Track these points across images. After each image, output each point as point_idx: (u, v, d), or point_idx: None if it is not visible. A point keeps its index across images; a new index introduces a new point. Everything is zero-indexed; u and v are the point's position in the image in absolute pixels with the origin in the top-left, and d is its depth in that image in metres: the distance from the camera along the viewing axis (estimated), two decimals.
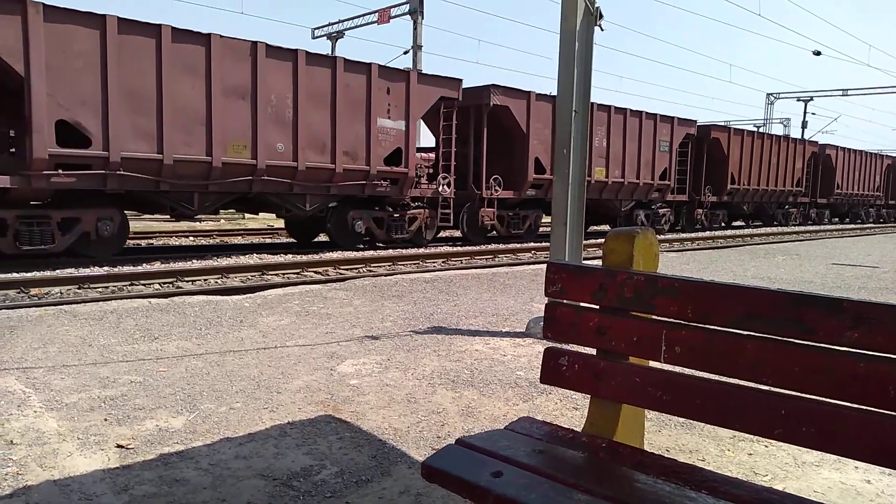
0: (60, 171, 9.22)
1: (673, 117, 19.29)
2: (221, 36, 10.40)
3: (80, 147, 9.38)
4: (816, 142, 27.67)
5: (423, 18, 23.64)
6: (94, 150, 9.44)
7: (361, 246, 13.25)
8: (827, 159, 27.60)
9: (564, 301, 2.01)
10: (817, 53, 32.00)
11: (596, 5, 5.09)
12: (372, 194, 12.78)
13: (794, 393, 1.56)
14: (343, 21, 28.01)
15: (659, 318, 1.82)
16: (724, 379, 1.68)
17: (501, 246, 14.26)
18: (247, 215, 22.15)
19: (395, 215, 13.44)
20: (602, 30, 5.19)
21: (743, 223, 25.73)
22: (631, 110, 17.70)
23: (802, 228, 24.21)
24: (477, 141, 14.78)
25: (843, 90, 43.81)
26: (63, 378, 3.88)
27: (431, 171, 14.16)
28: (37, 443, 2.91)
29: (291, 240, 14.93)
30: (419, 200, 13.84)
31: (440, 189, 13.87)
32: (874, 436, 1.43)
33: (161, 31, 9.80)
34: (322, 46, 30.29)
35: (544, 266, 2.10)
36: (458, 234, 16.18)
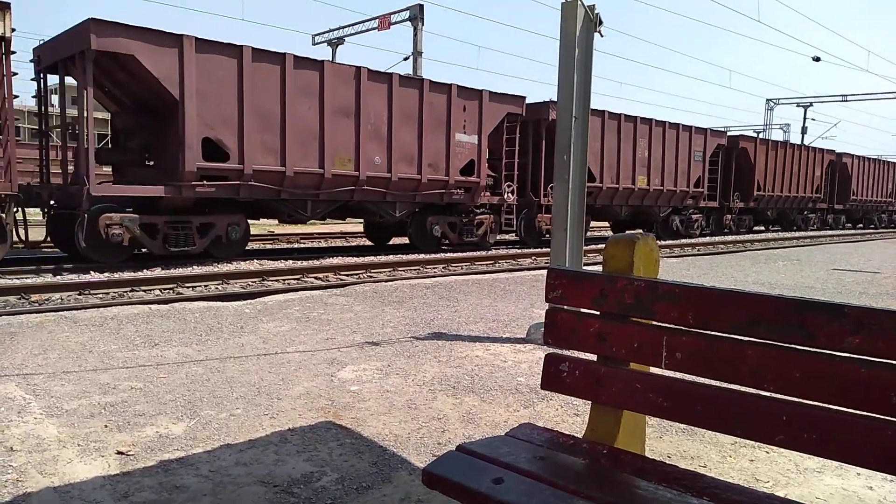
0: (205, 182, 10.63)
1: (706, 129, 20.90)
2: (332, 62, 12.27)
3: (220, 161, 10.76)
4: (834, 150, 28.87)
5: (423, 25, 23.71)
6: (232, 164, 10.86)
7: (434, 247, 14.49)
8: (843, 167, 28.88)
9: (565, 307, 2.01)
10: (817, 59, 32.09)
11: (595, 11, 5.11)
12: (449, 201, 14.19)
13: (795, 399, 1.56)
14: (343, 27, 28.11)
15: (660, 323, 1.81)
16: (725, 385, 1.68)
17: (502, 251, 14.33)
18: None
19: (465, 220, 14.68)
20: (602, 36, 5.21)
21: (762, 228, 26.94)
22: (669, 123, 19.12)
23: (803, 234, 24.56)
24: (535, 152, 16.23)
25: (842, 96, 43.94)
26: (63, 384, 3.87)
27: (492, 181, 15.33)
28: (37, 449, 2.90)
29: (301, 244, 15.67)
30: (484, 207, 15.13)
31: (505, 196, 15.25)
32: (876, 442, 1.43)
33: (285, 58, 11.21)
34: (322, 52, 30.43)
35: (545, 272, 2.10)
36: (509, 237, 17.25)
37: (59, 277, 8.85)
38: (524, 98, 15.19)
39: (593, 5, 5.09)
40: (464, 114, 13.87)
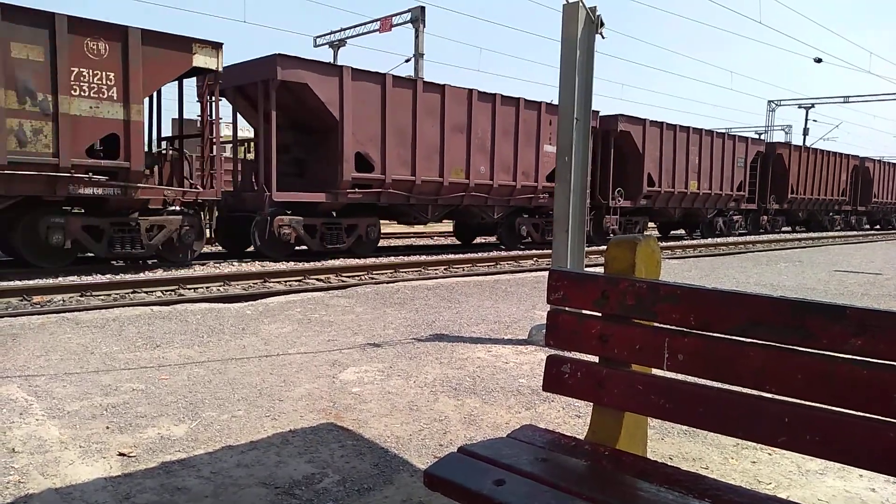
0: (356, 189, 12.76)
1: (747, 137, 23.67)
2: (451, 86, 14.01)
3: (367, 172, 12.83)
4: (858, 156, 30.34)
5: (424, 27, 23.74)
6: (376, 174, 12.94)
7: (521, 245, 16.46)
8: (866, 171, 30.71)
9: (567, 309, 2.01)
10: (818, 60, 32.08)
11: (597, 13, 5.11)
12: (536, 205, 16.35)
13: (797, 400, 1.56)
14: (345, 29, 28.16)
15: (661, 325, 1.81)
16: (726, 387, 1.68)
17: (504, 253, 14.35)
18: None
19: (547, 222, 16.55)
20: (603, 38, 5.21)
21: (788, 228, 28.91)
22: (717, 132, 21.53)
23: (805, 235, 25.05)
24: (605, 159, 18.16)
25: (844, 97, 43.94)
26: (65, 386, 3.88)
27: None
28: (39, 451, 2.90)
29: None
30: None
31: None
32: (878, 443, 1.42)
33: (416, 84, 13.50)
34: (324, 54, 30.46)
35: (546, 273, 2.10)
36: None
37: (60, 279, 8.87)
38: (598, 112, 17.42)
39: (595, 7, 5.09)
40: (550, 127, 15.59)
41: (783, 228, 27.40)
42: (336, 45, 28.67)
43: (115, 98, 9.53)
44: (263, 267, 10.79)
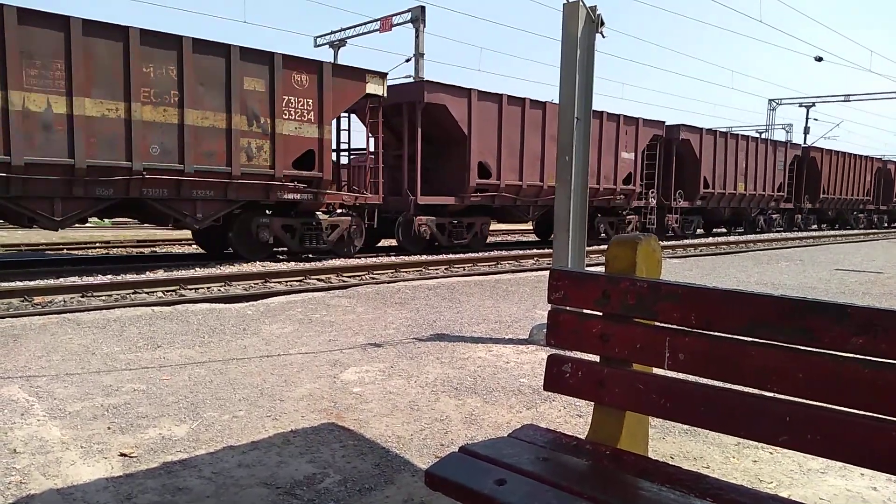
0: (477, 193, 15.01)
1: (787, 142, 26.75)
2: (551, 103, 15.93)
3: (485, 178, 15.08)
4: (881, 158, 32.30)
5: (424, 26, 23.72)
6: (493, 180, 15.19)
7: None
8: (888, 173, 32.63)
9: (567, 308, 2.01)
10: (819, 59, 32.05)
11: (597, 12, 5.10)
12: (612, 205, 18.64)
13: (798, 399, 1.55)
14: (345, 29, 28.12)
15: (662, 324, 1.81)
16: (728, 386, 1.68)
17: (504, 253, 14.36)
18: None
19: (619, 220, 19.13)
20: (603, 37, 5.21)
21: (815, 226, 30.41)
22: (760, 139, 24.40)
23: (806, 234, 25.36)
24: (667, 164, 20.59)
25: (844, 96, 43.87)
26: (66, 386, 3.88)
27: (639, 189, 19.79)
28: (40, 451, 2.90)
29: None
30: (633, 209, 19.60)
31: (650, 201, 19.62)
32: (880, 442, 1.42)
33: (524, 102, 15.62)
34: (324, 54, 30.46)
35: (547, 273, 2.09)
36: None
37: (61, 280, 8.87)
38: (664, 122, 19.91)
39: (595, 6, 5.09)
40: (626, 136, 18.18)
41: (812, 226, 29.40)
42: (336, 45, 28.66)
43: (312, 120, 11.80)
44: (264, 267, 10.79)
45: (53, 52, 8.87)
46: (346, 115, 14.15)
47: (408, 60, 24.23)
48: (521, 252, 14.51)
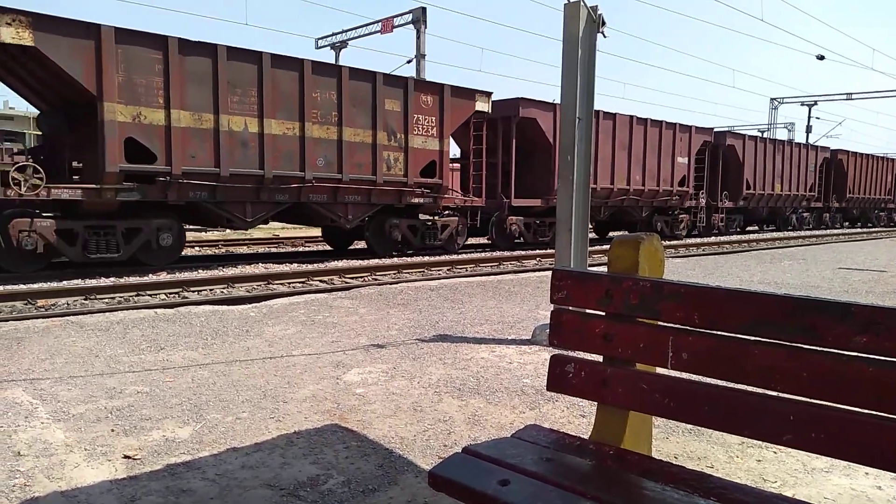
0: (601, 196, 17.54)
1: (817, 146, 28.34)
2: (620, 114, 17.80)
3: (596, 182, 16.96)
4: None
5: (426, 27, 23.72)
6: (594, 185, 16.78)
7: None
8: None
9: (570, 308, 2.01)
10: (821, 58, 32.07)
11: (598, 12, 5.10)
12: (669, 205, 20.60)
13: (802, 398, 1.55)
14: (346, 31, 28.13)
15: (665, 324, 1.81)
16: (731, 385, 1.68)
17: (507, 253, 14.37)
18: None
19: (673, 219, 21.10)
20: (605, 36, 5.20)
21: (839, 224, 32.17)
22: (794, 143, 26.90)
23: (809, 233, 25.72)
24: (714, 167, 22.55)
25: (847, 94, 43.76)
26: (70, 389, 3.89)
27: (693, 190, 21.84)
28: (44, 454, 2.91)
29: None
30: (685, 209, 21.40)
31: (700, 201, 21.68)
32: (884, 441, 1.42)
33: (598, 114, 16.86)
34: (326, 56, 30.46)
35: (549, 273, 2.09)
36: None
37: (64, 282, 8.88)
38: (713, 129, 21.86)
39: (596, 6, 5.09)
40: (681, 143, 20.07)
41: (837, 224, 31.16)
42: (338, 47, 28.68)
43: (434, 135, 13.69)
44: (267, 269, 10.80)
45: (249, 81, 10.87)
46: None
47: (409, 62, 24.24)
48: (523, 253, 14.51)
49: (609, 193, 18.04)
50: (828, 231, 27.32)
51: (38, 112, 11.63)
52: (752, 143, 23.69)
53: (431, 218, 14.32)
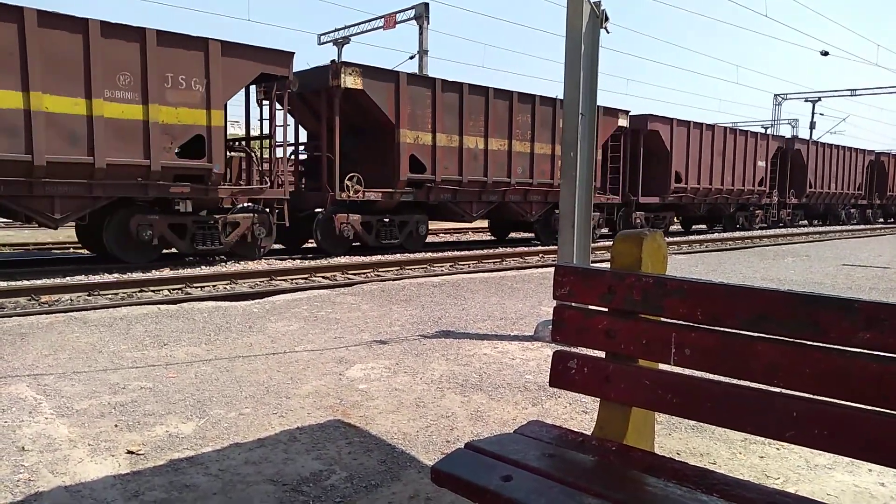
0: (673, 195, 20.25)
1: (865, 149, 31.67)
2: (719, 125, 21.93)
3: (679, 183, 20.31)
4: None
5: (428, 23, 23.68)
6: (683, 184, 20.47)
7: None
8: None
9: (573, 304, 2.01)
10: (825, 54, 31.92)
11: (602, 8, 5.09)
12: (749, 203, 24.11)
13: (806, 395, 1.55)
14: (349, 27, 28.09)
15: (668, 320, 1.81)
16: (734, 381, 1.67)
17: (509, 249, 14.37)
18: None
19: (750, 215, 24.34)
20: (608, 32, 5.19)
21: (882, 220, 35.07)
22: (845, 147, 29.86)
23: (813, 229, 26.27)
24: (783, 168, 26.80)
25: (851, 90, 43.58)
26: (73, 384, 3.90)
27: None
28: (48, 449, 2.92)
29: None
30: (760, 206, 24.90)
31: (773, 199, 25.44)
32: (888, 438, 1.42)
33: (714, 128, 21.52)
34: (328, 52, 30.42)
35: (552, 269, 2.09)
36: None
37: (68, 278, 8.91)
38: (785, 137, 27.20)
39: (599, 1, 5.07)
40: (760, 149, 23.72)
41: (880, 219, 34.51)
42: (340, 43, 28.64)
43: (535, 140, 16.36)
44: (269, 265, 10.81)
45: (479, 110, 14.41)
46: None
47: (412, 57, 24.22)
48: (525, 249, 14.52)
49: (708, 192, 21.71)
50: (868, 226, 30.81)
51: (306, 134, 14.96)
52: (815, 147, 27.77)
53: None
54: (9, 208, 9.68)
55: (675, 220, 24.42)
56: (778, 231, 24.00)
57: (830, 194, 28.91)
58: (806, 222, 29.21)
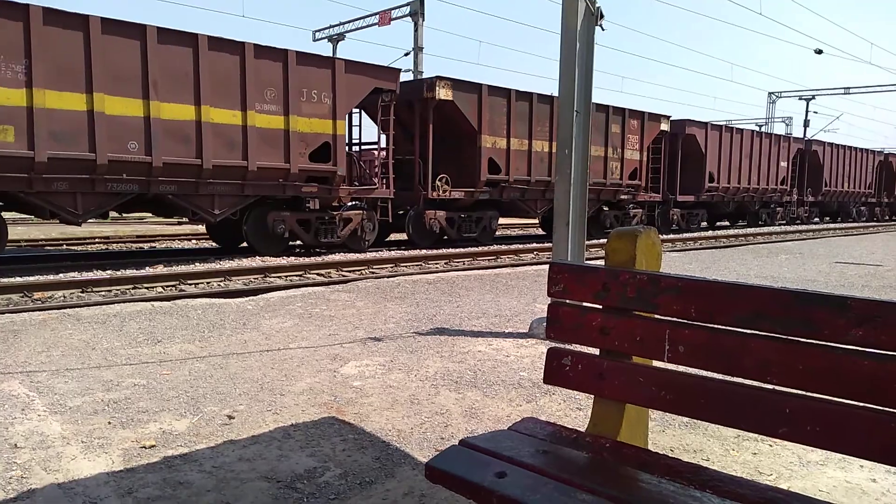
0: (706, 193, 22.04)
1: (874, 150, 33.97)
2: (747, 129, 24.12)
3: (712, 182, 22.13)
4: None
5: (423, 20, 23.65)
6: (715, 184, 22.27)
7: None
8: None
9: (567, 301, 2.01)
10: (819, 52, 31.98)
11: (597, 5, 5.09)
12: (772, 200, 26.28)
13: (799, 392, 1.55)
14: (344, 23, 28.03)
15: (662, 317, 1.81)
16: (728, 378, 1.68)
17: (504, 247, 14.39)
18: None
19: (773, 211, 26.68)
20: (603, 29, 5.19)
21: (888, 217, 37.08)
22: (859, 148, 31.81)
23: (805, 227, 26.52)
24: (801, 168, 28.75)
25: (844, 88, 43.78)
26: (67, 381, 3.88)
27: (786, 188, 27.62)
28: (41, 446, 2.91)
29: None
30: (781, 202, 27.21)
31: (793, 197, 27.42)
32: (879, 434, 1.42)
33: (742, 132, 23.63)
34: (323, 48, 30.38)
35: (547, 266, 2.09)
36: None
37: (61, 275, 8.87)
38: (803, 139, 28.88)
39: None
40: (783, 151, 25.80)
41: (886, 217, 36.54)
42: (335, 40, 28.57)
43: (638, 149, 18.87)
44: (264, 262, 10.79)
45: (546, 116, 15.85)
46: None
47: (407, 54, 24.20)
48: (521, 246, 14.54)
49: (737, 191, 23.63)
50: (879, 223, 32.68)
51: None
52: (830, 148, 29.56)
53: (626, 208, 19.40)
54: (177, 206, 10.88)
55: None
56: (772, 228, 24.18)
57: (843, 192, 30.76)
58: (818, 219, 30.64)
